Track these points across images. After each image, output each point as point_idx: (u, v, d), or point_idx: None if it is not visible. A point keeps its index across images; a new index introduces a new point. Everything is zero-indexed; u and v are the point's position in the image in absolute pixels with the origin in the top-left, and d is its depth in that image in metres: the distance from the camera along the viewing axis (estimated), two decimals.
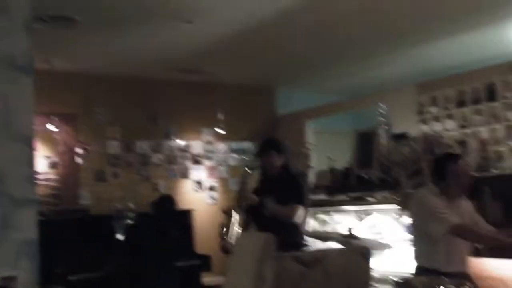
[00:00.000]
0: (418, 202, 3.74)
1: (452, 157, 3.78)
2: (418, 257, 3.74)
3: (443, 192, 3.67)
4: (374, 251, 4.22)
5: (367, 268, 2.23)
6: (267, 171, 4.38)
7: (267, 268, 1.97)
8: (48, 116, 7.10)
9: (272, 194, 4.19)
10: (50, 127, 7.13)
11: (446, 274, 3.42)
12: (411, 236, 4.41)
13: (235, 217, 4.17)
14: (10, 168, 2.98)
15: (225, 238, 4.14)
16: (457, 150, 4.66)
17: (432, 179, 3.80)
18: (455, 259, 3.60)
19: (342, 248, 2.29)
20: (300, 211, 4.14)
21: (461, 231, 3.49)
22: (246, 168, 4.42)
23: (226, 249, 4.10)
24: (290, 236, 4.11)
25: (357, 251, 2.21)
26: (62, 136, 7.64)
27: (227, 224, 4.18)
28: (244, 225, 4.32)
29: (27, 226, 2.97)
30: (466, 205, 3.79)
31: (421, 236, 3.70)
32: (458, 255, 3.62)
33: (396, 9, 5.91)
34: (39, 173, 7.01)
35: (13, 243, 2.90)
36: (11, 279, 2.74)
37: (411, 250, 4.26)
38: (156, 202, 5.77)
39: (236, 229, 4.13)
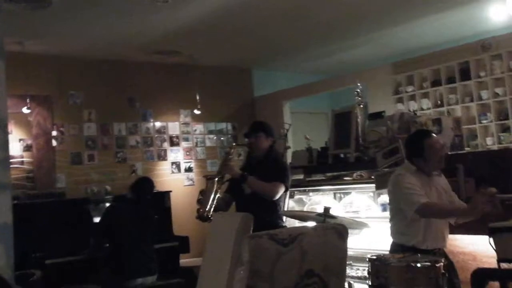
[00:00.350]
0: (394, 180, 3.78)
1: (425, 133, 3.82)
2: (394, 234, 3.78)
3: (419, 169, 3.71)
4: (351, 230, 4.28)
5: (343, 246, 2.25)
6: (253, 152, 4.42)
7: (244, 247, 1.97)
8: (22, 98, 6.99)
9: (255, 174, 4.23)
10: (24, 109, 7.02)
11: (423, 251, 3.48)
12: (387, 214, 4.48)
13: (216, 186, 4.17)
14: None
15: (202, 205, 4.14)
16: (432, 128, 4.69)
17: (407, 156, 3.85)
18: (433, 236, 3.64)
19: (318, 226, 2.30)
20: (280, 189, 4.18)
21: (425, 211, 3.52)
22: (232, 144, 4.46)
23: (202, 216, 4.11)
24: (268, 216, 4.14)
25: (333, 229, 2.23)
26: (37, 118, 7.55)
27: (207, 191, 4.18)
28: (223, 197, 4.34)
29: (1, 211, 2.93)
30: (443, 181, 3.83)
31: (397, 214, 3.74)
32: (435, 232, 3.66)
33: None
34: (13, 157, 6.94)
35: None
36: None
37: (388, 229, 4.33)
38: (134, 184, 5.73)
39: (214, 197, 4.14)
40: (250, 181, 4.18)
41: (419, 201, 3.51)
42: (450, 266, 3.56)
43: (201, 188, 4.36)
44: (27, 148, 7.47)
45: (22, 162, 7.35)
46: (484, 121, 7.02)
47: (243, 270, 1.90)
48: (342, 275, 2.36)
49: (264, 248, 1.98)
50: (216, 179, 4.20)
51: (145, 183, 5.82)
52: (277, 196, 4.20)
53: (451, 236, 3.93)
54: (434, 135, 3.77)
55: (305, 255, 2.03)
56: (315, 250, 2.06)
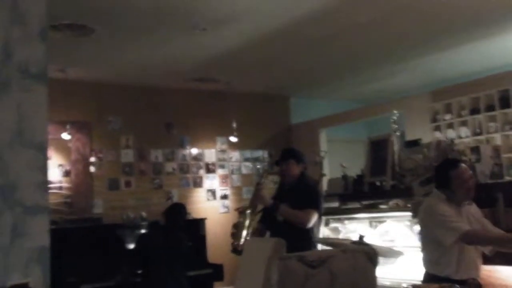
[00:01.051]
0: (426, 209, 3.72)
1: (452, 163, 3.77)
2: (427, 264, 3.71)
3: (449, 198, 3.65)
4: (387, 259, 4.20)
5: (373, 270, 2.20)
6: (284, 179, 4.39)
7: (273, 269, 1.95)
8: (62, 124, 7.14)
9: (287, 201, 4.19)
10: (64, 135, 7.16)
11: (457, 282, 3.39)
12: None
13: (248, 218, 4.15)
14: (23, 175, 2.99)
15: (236, 238, 4.12)
16: (470, 157, 4.61)
17: (436, 186, 3.79)
18: (466, 266, 3.56)
19: (348, 249, 2.27)
20: (313, 216, 4.13)
21: (471, 237, 3.46)
22: (265, 170, 4.44)
23: (236, 249, 4.09)
24: (301, 243, 4.09)
25: (363, 253, 2.19)
26: (76, 144, 7.70)
27: (239, 224, 4.17)
28: (257, 227, 4.31)
29: (38, 234, 2.97)
30: (473, 210, 3.76)
31: (430, 243, 3.67)
32: (469, 262, 3.58)
33: (408, 19, 5.91)
34: (52, 182, 7.06)
35: (24, 251, 2.90)
36: (22, 286, 2.74)
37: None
38: (167, 211, 5.76)
39: (247, 230, 4.11)
40: (282, 209, 4.13)
41: (461, 228, 3.45)
42: None
43: (234, 221, 4.33)
44: (66, 173, 7.61)
45: (60, 188, 7.48)
46: None
47: None
48: None
49: (293, 270, 1.96)
50: (248, 211, 4.18)
51: (178, 210, 5.83)
52: (311, 224, 4.15)
53: (491, 268, 3.82)
54: (462, 165, 3.71)
55: (335, 278, 2.00)
56: (345, 273, 2.03)
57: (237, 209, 4.37)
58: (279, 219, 4.20)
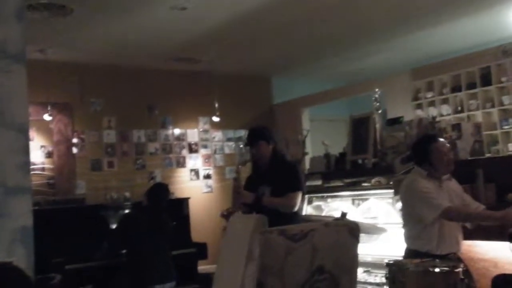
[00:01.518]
0: (407, 186, 3.77)
1: (430, 137, 3.82)
2: (408, 240, 3.76)
3: (429, 174, 3.70)
4: (369, 235, 4.25)
5: (355, 244, 2.23)
6: (258, 161, 4.31)
7: (255, 243, 1.98)
8: (44, 105, 7.07)
9: (267, 184, 4.14)
10: (46, 116, 7.10)
11: (437, 256, 3.45)
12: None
13: None
14: (5, 156, 2.98)
15: None
16: (451, 134, 4.66)
17: (417, 162, 3.83)
18: (447, 241, 3.62)
19: (330, 223, 2.29)
20: (297, 199, 4.10)
21: (452, 214, 3.52)
22: (238, 166, 4.35)
23: None
24: (289, 223, 4.09)
25: (345, 226, 2.22)
26: (57, 125, 7.64)
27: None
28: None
29: (21, 214, 2.97)
30: (454, 185, 3.81)
31: (411, 219, 3.72)
32: (450, 237, 3.64)
33: None
34: (34, 163, 7.02)
35: (7, 231, 2.90)
36: (6, 265, 2.75)
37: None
38: (149, 191, 5.75)
39: None
40: (266, 201, 4.05)
41: (441, 204, 3.50)
42: (466, 271, 3.53)
43: (223, 226, 4.22)
44: (48, 155, 7.56)
45: (43, 169, 7.44)
46: (506, 127, 6.95)
47: (253, 266, 1.90)
48: (353, 273, 2.34)
49: (275, 243, 1.98)
50: (234, 215, 4.11)
51: (160, 190, 5.83)
52: (297, 207, 4.11)
53: (471, 243, 3.89)
54: (440, 139, 3.77)
55: (316, 252, 2.02)
56: (327, 247, 2.05)
57: (222, 215, 4.25)
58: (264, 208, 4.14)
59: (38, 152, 7.34)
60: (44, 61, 6.92)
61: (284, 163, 4.31)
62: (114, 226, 6.49)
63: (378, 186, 4.85)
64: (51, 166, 7.54)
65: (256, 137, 4.27)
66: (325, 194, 5.37)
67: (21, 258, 2.90)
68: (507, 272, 3.67)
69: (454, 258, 3.56)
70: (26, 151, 3.09)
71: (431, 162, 3.67)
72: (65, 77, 7.57)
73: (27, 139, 3.11)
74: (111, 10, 5.77)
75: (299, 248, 2.02)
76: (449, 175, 3.79)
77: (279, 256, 1.98)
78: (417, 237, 3.68)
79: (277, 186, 4.10)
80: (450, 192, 3.74)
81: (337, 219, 3.94)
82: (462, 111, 7.38)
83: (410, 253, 3.67)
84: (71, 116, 7.66)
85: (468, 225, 3.73)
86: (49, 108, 7.14)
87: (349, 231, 2.20)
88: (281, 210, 4.03)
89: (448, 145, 3.81)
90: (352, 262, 2.18)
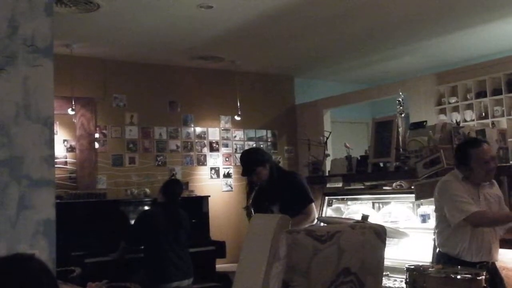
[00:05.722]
0: (440, 186, 3.69)
1: (474, 141, 3.74)
2: (439, 242, 3.70)
3: (465, 177, 3.61)
4: (390, 239, 4.21)
5: (381, 246, 2.22)
6: (259, 183, 4.34)
7: (281, 242, 1.97)
8: (67, 100, 7.14)
9: (272, 202, 4.19)
10: (69, 111, 7.17)
11: (468, 263, 3.37)
12: (427, 225, 4.40)
13: None
14: (29, 149, 3.02)
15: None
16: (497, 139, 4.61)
17: (456, 165, 3.76)
18: (478, 248, 3.50)
19: (357, 224, 2.27)
20: (312, 211, 4.19)
21: (478, 219, 3.44)
22: (245, 206, 4.38)
23: None
24: None
25: (372, 228, 2.20)
26: (80, 120, 7.71)
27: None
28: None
29: (44, 207, 3.00)
30: (493, 192, 3.71)
31: (442, 221, 3.65)
32: (482, 244, 3.52)
33: (414, 0, 5.88)
34: (57, 157, 7.09)
35: (30, 223, 2.93)
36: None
37: (427, 239, 4.25)
38: (163, 188, 5.79)
39: None
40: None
41: (469, 209, 3.42)
42: (499, 282, 3.46)
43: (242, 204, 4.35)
44: (71, 149, 7.64)
45: (65, 163, 7.52)
46: None
47: (279, 265, 1.89)
48: (379, 275, 2.33)
49: (301, 244, 1.97)
50: (255, 215, 4.17)
51: (176, 186, 5.87)
52: (316, 217, 4.23)
53: (506, 251, 3.80)
54: (485, 144, 3.65)
55: (343, 253, 2.01)
56: (353, 249, 2.04)
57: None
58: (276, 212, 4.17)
59: (60, 146, 7.42)
60: (69, 56, 6.98)
61: (285, 177, 4.36)
62: (133, 222, 6.52)
63: (400, 190, 4.82)
64: (73, 160, 7.62)
65: (252, 165, 4.30)
66: (346, 197, 5.35)
67: (43, 250, 2.93)
68: None
69: (487, 267, 3.43)
70: (50, 144, 3.12)
71: (470, 166, 3.58)
72: (89, 72, 7.63)
73: (52, 133, 3.14)
74: (137, 7, 5.81)
75: (326, 249, 2.02)
76: (491, 182, 3.70)
77: (306, 257, 1.98)
78: (446, 239, 3.61)
79: (285, 202, 4.13)
80: (488, 197, 3.63)
81: (357, 221, 3.92)
82: (486, 117, 7.29)
83: (441, 257, 3.61)
84: (94, 111, 7.71)
85: (501, 232, 3.65)
86: (72, 103, 7.20)
87: (375, 234, 2.19)
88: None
89: (492, 153, 3.70)
90: (378, 264, 2.17)
